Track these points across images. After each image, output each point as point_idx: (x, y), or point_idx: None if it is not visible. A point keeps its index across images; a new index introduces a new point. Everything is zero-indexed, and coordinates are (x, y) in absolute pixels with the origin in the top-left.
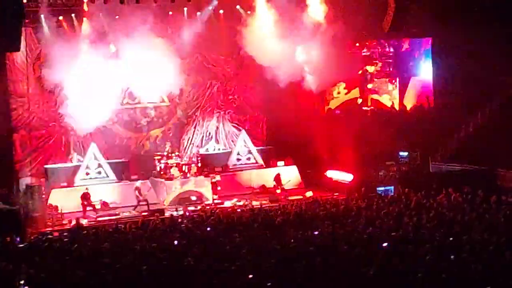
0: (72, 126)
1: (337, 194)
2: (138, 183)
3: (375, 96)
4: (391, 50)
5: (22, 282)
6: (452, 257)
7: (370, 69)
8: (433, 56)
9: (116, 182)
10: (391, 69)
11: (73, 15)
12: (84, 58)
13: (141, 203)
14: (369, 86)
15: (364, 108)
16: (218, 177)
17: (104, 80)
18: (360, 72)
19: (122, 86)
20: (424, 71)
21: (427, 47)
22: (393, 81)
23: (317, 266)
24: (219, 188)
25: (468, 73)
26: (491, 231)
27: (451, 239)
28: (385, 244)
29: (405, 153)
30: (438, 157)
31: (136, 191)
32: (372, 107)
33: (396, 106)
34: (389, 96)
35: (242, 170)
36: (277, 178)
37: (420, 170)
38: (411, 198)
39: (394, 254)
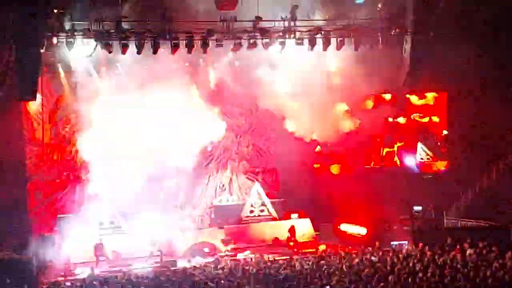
0: (87, 177)
1: (350, 247)
2: None
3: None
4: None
5: None
6: None
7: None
8: (448, 111)
9: (129, 232)
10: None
11: (91, 65)
12: (102, 112)
13: (154, 254)
14: None
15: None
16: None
17: (127, 139)
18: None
19: (145, 147)
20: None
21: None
22: None
23: None
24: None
25: (483, 128)
26: None
27: None
28: None
29: (419, 208)
30: (452, 212)
31: (149, 242)
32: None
33: None
34: None
35: (255, 222)
36: (291, 230)
37: (434, 225)
38: (425, 254)
39: None
